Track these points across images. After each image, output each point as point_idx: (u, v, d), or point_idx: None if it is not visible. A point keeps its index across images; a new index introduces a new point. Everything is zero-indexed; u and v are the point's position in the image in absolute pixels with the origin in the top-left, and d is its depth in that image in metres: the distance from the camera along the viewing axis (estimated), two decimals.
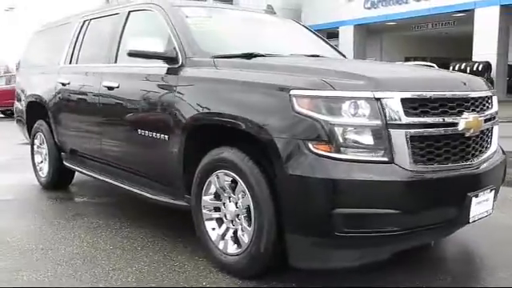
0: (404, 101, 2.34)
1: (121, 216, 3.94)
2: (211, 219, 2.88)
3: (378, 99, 2.30)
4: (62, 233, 3.55)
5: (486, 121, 2.70)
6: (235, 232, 2.74)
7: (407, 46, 26.57)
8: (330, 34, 22.40)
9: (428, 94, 2.42)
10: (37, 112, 5.01)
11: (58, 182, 4.90)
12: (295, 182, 2.32)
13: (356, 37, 23.86)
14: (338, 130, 2.29)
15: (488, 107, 2.77)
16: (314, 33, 4.34)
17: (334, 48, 4.20)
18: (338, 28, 24.04)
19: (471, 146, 2.58)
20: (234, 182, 2.71)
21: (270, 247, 2.50)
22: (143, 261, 2.98)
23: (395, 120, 2.31)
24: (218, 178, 2.77)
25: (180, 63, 3.11)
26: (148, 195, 3.35)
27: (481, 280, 2.84)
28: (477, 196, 2.51)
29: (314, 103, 2.32)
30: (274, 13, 4.32)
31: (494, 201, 2.72)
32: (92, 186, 5.16)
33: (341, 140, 2.29)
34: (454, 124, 2.47)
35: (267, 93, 2.51)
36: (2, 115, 18.51)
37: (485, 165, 2.66)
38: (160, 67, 3.23)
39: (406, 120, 2.33)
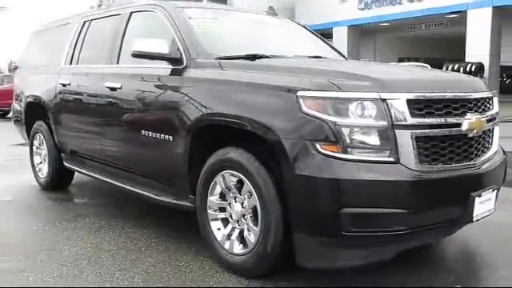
0: (409, 102, 2.37)
1: (122, 217, 3.94)
2: (216, 219, 2.89)
3: (384, 100, 2.33)
4: (64, 234, 3.55)
5: (487, 121, 2.74)
6: (241, 232, 2.76)
7: (401, 47, 26.72)
8: (323, 35, 22.40)
9: (433, 95, 2.45)
10: (36, 113, 5.00)
11: (57, 182, 4.89)
12: (303, 182, 2.35)
13: (350, 37, 23.94)
14: (345, 131, 2.32)
15: (489, 108, 2.81)
16: (314, 34, 4.37)
17: (334, 49, 4.23)
18: (331, 28, 24.10)
19: (474, 146, 2.62)
20: (240, 182, 2.73)
21: (277, 247, 2.53)
22: (148, 261, 2.99)
23: (401, 121, 2.34)
24: (223, 178, 2.79)
25: (184, 64, 3.12)
26: (152, 196, 3.35)
27: (482, 279, 2.88)
28: (480, 195, 2.55)
29: (321, 104, 2.35)
30: (276, 14, 4.34)
31: (496, 200, 2.76)
32: (91, 187, 5.16)
33: (348, 140, 2.32)
34: (458, 125, 2.51)
35: (274, 94, 2.54)
36: None
37: (487, 165, 2.70)
38: (164, 68, 3.24)
39: (411, 121, 2.36)
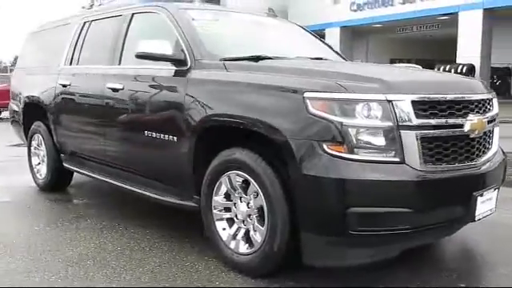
0: (414, 103, 2.41)
1: (123, 217, 3.95)
2: (222, 219, 2.92)
3: (390, 101, 2.37)
4: (67, 234, 3.55)
5: (488, 122, 2.79)
6: (247, 232, 2.79)
7: (393, 48, 26.90)
8: None
9: (437, 97, 2.50)
10: (34, 113, 4.98)
11: (56, 183, 4.88)
12: (310, 182, 2.38)
13: (342, 38, 24.06)
14: (352, 131, 2.36)
15: (489, 109, 2.86)
16: (314, 35, 4.41)
17: (334, 50, 4.27)
18: (324, 30, 24.20)
19: (475, 146, 2.67)
20: (246, 182, 2.75)
21: (284, 246, 2.56)
22: (153, 261, 3.01)
23: (406, 121, 2.39)
24: (229, 178, 2.82)
25: (189, 65, 3.14)
26: (156, 196, 3.37)
27: (482, 276, 2.94)
28: (482, 195, 2.61)
29: (328, 105, 2.38)
30: (276, 15, 4.38)
31: (497, 200, 2.82)
32: (90, 188, 5.16)
33: (354, 141, 2.36)
34: (461, 125, 2.56)
35: (281, 95, 2.57)
36: None
37: (487, 165, 2.75)
38: (168, 69, 3.26)
39: (416, 121, 2.40)
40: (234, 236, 2.85)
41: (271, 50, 3.47)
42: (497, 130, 2.99)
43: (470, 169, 2.61)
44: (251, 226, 2.75)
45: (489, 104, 2.87)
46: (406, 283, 2.66)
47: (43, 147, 4.89)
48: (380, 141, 2.37)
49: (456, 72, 17.54)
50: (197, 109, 2.97)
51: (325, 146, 2.37)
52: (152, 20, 3.72)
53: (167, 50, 3.18)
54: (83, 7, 33.00)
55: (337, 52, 4.26)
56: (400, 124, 2.38)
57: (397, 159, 2.38)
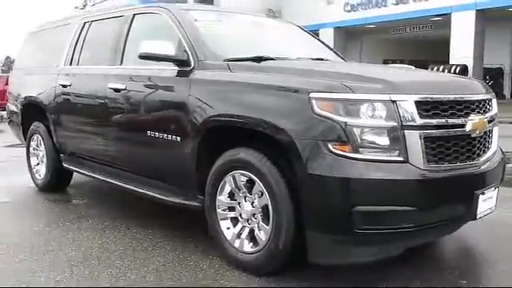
0: (418, 103, 2.46)
1: (124, 217, 3.95)
2: (226, 219, 2.94)
3: (394, 102, 2.41)
4: (69, 234, 3.55)
5: (488, 122, 2.84)
6: (251, 230, 2.81)
7: (386, 49, 27.02)
8: None
9: (439, 97, 2.54)
10: (33, 114, 4.97)
11: (55, 183, 4.87)
12: (316, 181, 2.41)
13: (336, 39, 24.10)
14: (357, 131, 2.39)
15: (489, 109, 2.91)
16: (313, 36, 4.45)
17: (333, 51, 4.31)
18: (318, 30, 24.25)
19: (476, 146, 2.72)
20: (250, 181, 2.78)
21: (289, 244, 2.59)
22: (157, 260, 3.02)
23: (410, 121, 2.43)
24: (233, 178, 2.84)
25: (192, 66, 3.16)
26: (159, 196, 3.38)
27: (483, 273, 2.99)
28: (483, 194, 2.65)
29: (333, 105, 2.42)
30: (276, 16, 4.41)
31: (497, 198, 2.86)
32: (89, 188, 5.16)
33: (359, 140, 2.39)
34: (462, 125, 2.60)
35: (286, 95, 2.60)
36: None
37: (488, 164, 2.80)
38: (170, 70, 3.28)
39: (419, 121, 2.44)
40: (239, 235, 2.87)
41: (273, 50, 3.50)
42: (496, 130, 3.04)
43: (471, 168, 2.66)
44: (256, 225, 2.78)
45: (489, 104, 2.92)
46: (410, 280, 2.70)
47: (42, 147, 4.89)
48: (384, 140, 2.41)
49: (449, 73, 17.68)
50: (201, 109, 3.00)
51: (330, 146, 2.40)
52: (154, 21, 3.74)
53: (170, 50, 3.20)
54: (76, 7, 32.89)
55: (335, 52, 4.30)
56: (404, 124, 2.41)
57: (401, 158, 2.42)
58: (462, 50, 18.79)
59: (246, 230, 2.84)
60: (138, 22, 3.85)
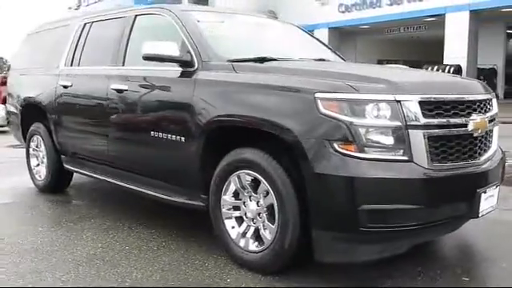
0: (421, 103, 2.50)
1: (127, 217, 3.97)
2: (230, 218, 2.97)
3: (399, 102, 2.45)
4: (73, 235, 3.56)
5: (488, 122, 2.89)
6: (256, 230, 2.84)
7: (381, 49, 27.17)
8: None
9: (442, 97, 2.59)
10: (33, 114, 4.97)
11: (56, 184, 4.87)
12: (322, 180, 2.45)
13: (330, 39, 24.17)
14: (362, 131, 2.43)
15: (490, 109, 2.96)
16: (314, 37, 4.49)
17: (333, 51, 4.34)
18: (312, 31, 24.34)
19: (478, 145, 2.76)
20: (255, 181, 2.81)
21: (295, 243, 2.62)
22: (163, 260, 3.04)
23: (414, 121, 2.46)
24: (239, 178, 2.87)
25: (196, 67, 3.19)
26: (163, 196, 3.40)
27: (484, 270, 3.03)
28: (485, 192, 2.70)
29: (339, 105, 2.45)
30: (276, 17, 4.44)
31: (498, 197, 2.91)
32: (89, 189, 5.16)
33: (364, 140, 2.43)
34: (465, 125, 2.65)
35: (292, 95, 2.63)
36: None
37: (489, 163, 2.85)
38: (174, 70, 3.30)
39: (423, 121, 2.48)
40: (244, 234, 2.90)
41: (275, 51, 3.52)
42: (496, 130, 3.09)
43: (473, 167, 2.70)
44: (261, 224, 2.81)
45: (489, 104, 2.97)
46: (414, 278, 2.74)
47: (42, 148, 4.89)
48: (389, 140, 2.45)
49: (443, 73, 17.79)
50: (205, 109, 3.02)
51: (336, 145, 2.44)
52: (156, 22, 3.75)
53: (173, 51, 3.21)
54: (70, 8, 32.77)
55: (335, 52, 4.33)
56: (408, 123, 2.45)
57: (405, 158, 2.46)
58: (455, 50, 18.94)
59: (252, 230, 2.87)
60: (139, 23, 3.86)
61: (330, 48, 4.39)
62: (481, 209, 2.68)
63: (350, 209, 2.41)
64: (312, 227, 2.53)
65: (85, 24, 4.53)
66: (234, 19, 4.07)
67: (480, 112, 2.77)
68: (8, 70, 10.46)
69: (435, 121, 2.53)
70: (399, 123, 2.44)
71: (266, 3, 25.56)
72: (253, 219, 2.86)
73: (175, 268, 2.91)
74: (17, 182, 5.40)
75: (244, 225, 2.91)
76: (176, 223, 3.77)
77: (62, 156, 4.67)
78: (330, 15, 23.54)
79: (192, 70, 3.20)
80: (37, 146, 5.04)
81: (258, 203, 2.83)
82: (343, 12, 23.35)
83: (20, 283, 2.72)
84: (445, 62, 19.33)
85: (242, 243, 2.89)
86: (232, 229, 2.95)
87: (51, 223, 3.88)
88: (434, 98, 2.55)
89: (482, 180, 2.73)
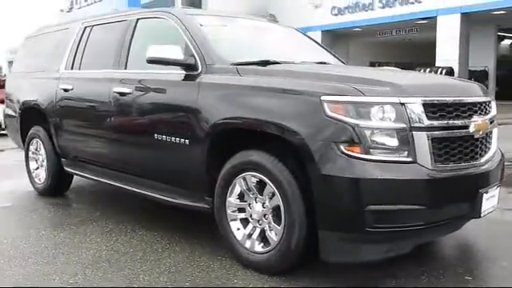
0: (425, 105, 2.55)
1: (130, 220, 3.98)
2: (235, 220, 3.00)
3: (403, 104, 2.50)
4: (76, 238, 3.57)
5: (489, 123, 2.95)
6: (262, 231, 2.87)
7: (373, 51, 27.33)
8: None
9: (445, 99, 2.64)
10: (33, 118, 4.97)
11: (56, 188, 4.87)
12: (329, 182, 2.49)
13: (324, 42, 24.23)
14: (367, 133, 2.47)
15: (489, 111, 3.02)
16: (314, 40, 4.53)
17: (333, 54, 4.39)
18: (306, 33, 24.44)
19: (479, 146, 2.82)
20: (260, 183, 2.84)
21: (301, 244, 2.66)
22: (168, 262, 3.06)
23: (418, 123, 2.52)
24: (244, 180, 2.90)
25: (199, 70, 3.22)
26: (167, 199, 3.42)
27: (485, 269, 3.08)
28: (487, 192, 2.75)
29: (345, 108, 2.49)
30: (276, 21, 4.48)
31: (499, 197, 2.97)
32: (89, 192, 5.17)
33: (370, 142, 2.47)
34: (466, 126, 2.70)
35: (297, 98, 2.67)
36: None
37: (489, 164, 2.90)
38: (177, 74, 3.32)
39: (427, 123, 2.53)
40: (249, 235, 2.93)
41: (277, 54, 3.58)
42: (495, 131, 3.15)
43: (474, 167, 2.76)
44: (267, 226, 2.84)
45: (488, 106, 3.03)
46: (418, 277, 2.79)
47: (42, 152, 4.88)
48: (394, 141, 2.50)
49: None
50: (210, 112, 3.05)
51: (342, 147, 2.48)
52: (158, 25, 3.78)
53: (177, 54, 3.24)
54: (61, 10, 32.61)
55: (335, 56, 4.38)
56: (412, 125, 2.50)
57: (410, 159, 2.50)
58: (447, 52, 19.09)
59: (257, 231, 2.90)
60: (142, 27, 3.89)
61: (329, 51, 4.44)
62: (483, 209, 2.74)
63: (357, 209, 2.46)
64: (318, 228, 2.57)
65: (85, 27, 4.55)
66: (236, 23, 4.11)
67: (481, 114, 2.83)
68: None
69: (438, 122, 2.58)
70: (404, 125, 2.49)
71: (260, 6, 25.62)
72: (258, 220, 2.89)
73: (182, 270, 2.94)
74: (15, 185, 5.40)
75: (249, 226, 2.94)
76: (178, 225, 3.80)
77: (63, 159, 4.67)
78: (323, 18, 23.65)
79: (196, 73, 3.23)
80: (36, 150, 5.03)
81: (263, 205, 2.86)
82: (336, 15, 23.46)
83: (29, 285, 2.73)
84: (437, 65, 19.48)
85: (247, 244, 2.93)
86: (237, 230, 2.99)
87: (54, 226, 3.88)
88: (437, 100, 2.61)
89: (483, 180, 2.79)
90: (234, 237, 2.99)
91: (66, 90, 4.44)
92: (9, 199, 4.83)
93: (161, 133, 3.40)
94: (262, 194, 2.85)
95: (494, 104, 3.14)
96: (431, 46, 19.99)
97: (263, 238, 2.87)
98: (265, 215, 2.85)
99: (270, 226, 2.83)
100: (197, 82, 3.20)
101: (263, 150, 2.83)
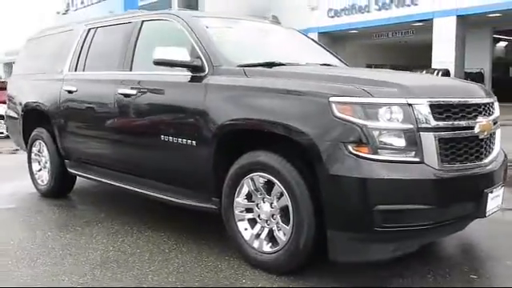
0: (432, 106, 2.58)
1: (135, 221, 3.99)
2: (243, 220, 3.02)
3: (411, 105, 2.54)
4: (83, 239, 3.59)
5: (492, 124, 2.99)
6: (270, 231, 2.90)
7: (369, 54, 27.43)
8: None
9: (451, 100, 2.68)
10: (35, 119, 4.98)
11: (59, 189, 4.88)
12: (338, 182, 2.52)
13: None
14: (375, 133, 2.50)
15: (493, 112, 3.06)
16: (316, 42, 4.57)
17: (336, 56, 4.43)
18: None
19: (483, 147, 2.86)
20: (268, 183, 2.87)
21: (310, 243, 2.68)
22: (176, 262, 3.08)
23: (425, 123, 2.55)
24: (252, 180, 2.93)
25: (206, 71, 3.24)
26: (174, 200, 3.43)
27: (491, 268, 3.12)
28: (492, 192, 2.79)
29: (353, 109, 2.53)
30: (279, 23, 4.52)
31: (503, 196, 3.01)
32: (92, 193, 5.18)
33: (377, 142, 2.51)
34: (472, 127, 2.74)
35: (305, 99, 2.70)
36: None
37: (494, 164, 2.94)
38: (184, 75, 3.34)
39: (434, 123, 2.57)
40: (257, 235, 2.95)
41: (281, 56, 3.59)
42: (498, 132, 3.19)
43: (479, 168, 2.80)
44: (275, 226, 2.87)
45: (492, 107, 3.07)
46: (425, 276, 2.83)
47: (45, 153, 4.89)
48: (401, 142, 2.53)
49: None
50: (218, 113, 3.07)
51: (350, 148, 2.51)
52: (164, 27, 3.80)
53: (184, 56, 3.26)
54: (58, 12, 32.56)
55: (338, 58, 4.42)
56: (419, 126, 2.54)
57: (417, 159, 2.54)
58: (443, 54, 19.21)
59: (266, 231, 2.92)
60: (147, 29, 3.91)
61: (331, 52, 4.47)
62: (488, 208, 2.77)
63: (365, 209, 2.49)
64: (327, 227, 2.60)
65: (89, 29, 4.56)
66: (240, 25, 4.14)
67: (485, 115, 2.87)
68: None
69: (445, 123, 2.62)
70: (411, 126, 2.53)
71: (257, 7, 25.66)
72: (266, 221, 2.92)
73: (190, 270, 2.96)
74: (18, 187, 5.41)
75: (257, 226, 2.97)
76: (183, 225, 3.82)
77: (66, 160, 4.68)
78: (319, 20, 23.73)
79: (202, 74, 3.25)
80: (39, 151, 5.04)
81: (271, 205, 2.89)
82: (332, 17, 23.55)
83: (38, 285, 2.75)
84: (433, 66, 19.59)
85: (255, 244, 2.95)
86: (245, 230, 3.01)
87: (58, 228, 3.89)
88: (444, 101, 2.64)
89: (488, 180, 2.83)
90: (242, 237, 3.01)
91: (70, 92, 4.45)
92: (12, 201, 4.84)
93: (167, 134, 3.42)
94: (269, 195, 2.88)
95: (496, 105, 3.18)
96: (427, 48, 20.10)
97: (271, 237, 2.90)
98: (273, 215, 2.88)
99: (278, 226, 2.85)
100: (203, 83, 3.22)
101: (271, 150, 2.85)
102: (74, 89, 4.41)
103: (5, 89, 6.17)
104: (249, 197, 3.00)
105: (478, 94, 2.94)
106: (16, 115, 5.36)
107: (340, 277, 2.83)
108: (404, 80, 2.79)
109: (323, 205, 2.59)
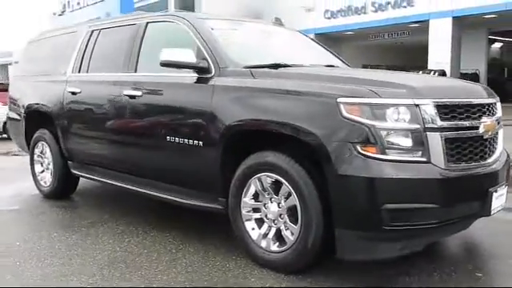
0: (438, 107, 2.62)
1: (139, 221, 4.01)
2: (250, 220, 3.05)
3: (418, 105, 2.58)
4: (89, 239, 3.60)
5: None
6: (278, 230, 2.93)
7: (365, 55, 27.51)
8: None
9: (457, 101, 2.72)
10: (38, 121, 4.98)
11: (62, 190, 4.88)
12: (346, 181, 2.55)
13: None
14: (383, 134, 2.54)
15: (496, 112, 3.10)
16: (319, 43, 4.60)
17: (339, 58, 4.46)
18: None
19: (487, 146, 2.90)
20: (276, 183, 2.90)
21: (318, 242, 2.71)
22: (184, 262, 3.10)
23: (431, 124, 2.59)
24: (259, 180, 2.95)
25: (212, 73, 3.27)
26: (180, 200, 3.45)
27: (494, 266, 3.16)
28: (496, 191, 2.83)
29: (361, 109, 2.56)
30: (282, 25, 4.55)
31: (506, 196, 3.05)
32: (95, 194, 5.21)
33: (385, 142, 2.54)
34: (476, 127, 2.78)
35: (313, 100, 2.73)
36: None
37: (497, 163, 2.99)
38: (190, 77, 3.37)
39: (440, 124, 2.61)
40: (265, 235, 2.98)
41: (286, 57, 3.62)
42: (501, 132, 3.24)
43: (484, 167, 2.84)
44: (282, 225, 2.90)
45: (495, 107, 3.11)
46: (431, 274, 2.86)
47: (48, 155, 4.89)
48: (409, 142, 2.57)
49: None
50: (225, 114, 3.10)
51: (358, 148, 2.54)
52: (169, 29, 3.82)
53: (190, 58, 3.29)
54: (54, 14, 32.45)
55: (341, 59, 4.45)
56: (426, 126, 2.58)
57: (424, 159, 2.58)
58: (439, 55, 19.31)
59: (273, 230, 2.95)
60: (151, 30, 3.93)
61: (334, 54, 4.50)
62: (492, 207, 2.81)
63: (374, 208, 2.52)
64: (335, 226, 2.63)
65: (92, 31, 4.58)
66: (245, 27, 4.17)
67: (489, 115, 2.92)
68: None
69: (450, 123, 2.66)
70: (418, 126, 2.57)
71: (254, 9, 25.70)
72: (274, 220, 2.95)
73: (198, 270, 2.98)
74: (20, 188, 5.41)
75: (265, 226, 3.00)
76: (188, 226, 3.84)
77: (69, 162, 4.69)
78: (316, 21, 23.80)
79: (209, 76, 3.28)
80: (41, 153, 5.04)
81: (278, 205, 2.92)
82: (329, 18, 23.62)
83: (48, 285, 2.76)
84: (429, 67, 19.70)
85: (263, 244, 2.98)
86: (252, 230, 3.04)
87: (64, 228, 3.90)
88: (449, 101, 2.69)
89: (492, 179, 2.87)
90: (250, 236, 3.04)
91: (73, 93, 4.46)
92: (15, 202, 4.84)
93: (173, 135, 3.44)
94: (277, 194, 2.91)
95: (499, 105, 3.23)
96: (423, 49, 20.21)
97: (279, 237, 2.93)
98: (280, 215, 2.91)
99: (285, 226, 2.88)
100: (210, 84, 3.24)
101: (279, 151, 2.88)
102: (77, 90, 4.43)
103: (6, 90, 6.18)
104: (256, 197, 3.03)
105: (481, 95, 2.98)
106: (18, 117, 5.37)
107: (346, 275, 2.86)
108: (410, 81, 2.83)
109: (331, 204, 2.63)
